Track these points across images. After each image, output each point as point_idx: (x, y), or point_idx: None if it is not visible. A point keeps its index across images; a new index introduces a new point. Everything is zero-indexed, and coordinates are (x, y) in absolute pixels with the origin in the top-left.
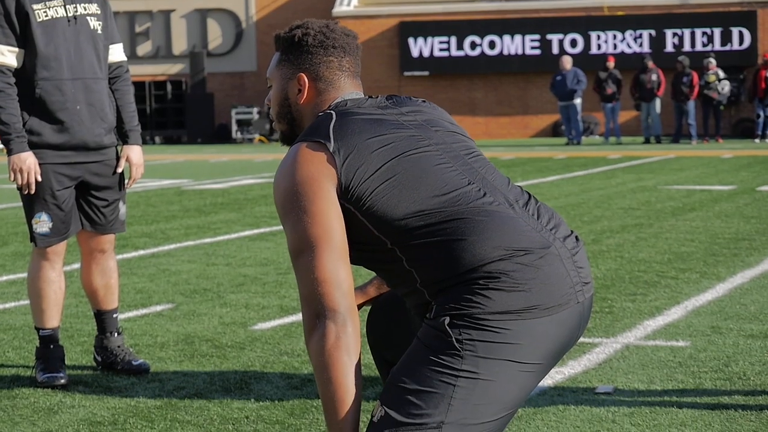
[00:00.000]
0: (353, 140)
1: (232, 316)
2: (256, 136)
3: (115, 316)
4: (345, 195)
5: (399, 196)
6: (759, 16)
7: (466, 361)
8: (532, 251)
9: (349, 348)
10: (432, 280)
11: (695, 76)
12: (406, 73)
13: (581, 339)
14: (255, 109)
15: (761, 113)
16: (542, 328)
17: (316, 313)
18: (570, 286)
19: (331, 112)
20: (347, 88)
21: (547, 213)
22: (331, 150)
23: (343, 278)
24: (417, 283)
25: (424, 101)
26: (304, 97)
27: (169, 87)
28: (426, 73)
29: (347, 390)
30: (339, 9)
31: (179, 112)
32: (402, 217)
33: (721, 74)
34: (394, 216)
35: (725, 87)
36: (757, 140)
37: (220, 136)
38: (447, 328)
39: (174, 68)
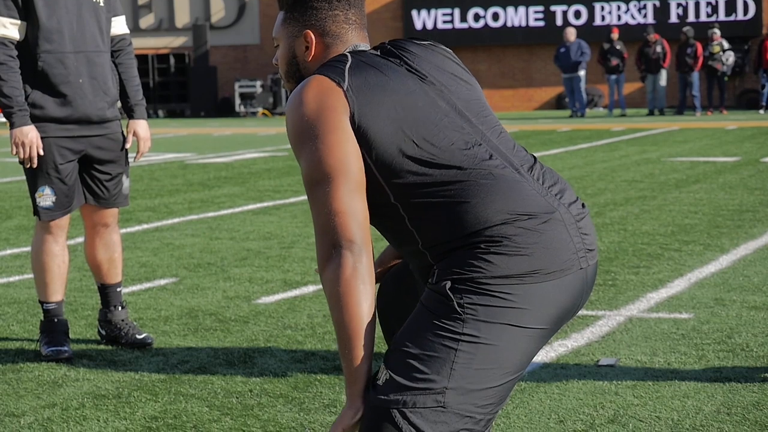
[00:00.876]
0: (367, 83)
1: (236, 290)
2: (260, 110)
3: (119, 290)
4: (356, 134)
5: (405, 146)
6: None
7: (468, 325)
8: (535, 215)
9: (365, 277)
10: (434, 242)
11: (699, 47)
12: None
13: (584, 312)
14: (258, 83)
15: (766, 84)
16: (544, 293)
17: (332, 243)
18: (573, 251)
19: (347, 55)
20: (355, 41)
21: (552, 177)
22: (344, 88)
23: (359, 209)
24: (419, 245)
25: (434, 45)
26: (312, 53)
27: (172, 60)
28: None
29: (362, 319)
30: None
31: (182, 86)
32: (406, 168)
33: (726, 45)
34: (400, 167)
35: (730, 58)
36: (761, 111)
37: (224, 109)
38: (448, 292)
39: (177, 41)
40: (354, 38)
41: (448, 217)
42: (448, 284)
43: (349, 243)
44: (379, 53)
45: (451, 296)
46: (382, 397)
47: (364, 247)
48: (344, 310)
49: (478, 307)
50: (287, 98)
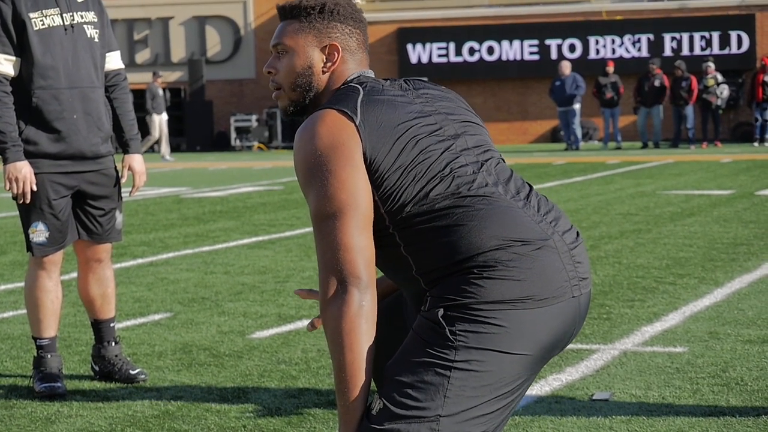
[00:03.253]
0: (378, 119)
1: (230, 324)
2: (255, 144)
3: (112, 325)
4: (367, 170)
5: (409, 181)
6: (757, 19)
7: (460, 352)
8: (529, 242)
9: (369, 316)
10: (428, 268)
11: (694, 80)
12: None
13: (579, 345)
14: (254, 117)
15: (759, 117)
16: (535, 319)
17: (339, 279)
18: (566, 279)
19: (358, 86)
20: (365, 64)
21: (547, 206)
22: (357, 123)
23: (367, 246)
24: (413, 271)
25: (441, 87)
26: (335, 66)
27: (167, 95)
28: (425, 79)
29: (363, 358)
30: None
31: (178, 120)
32: (408, 201)
33: (720, 78)
34: (402, 200)
35: (724, 91)
36: (755, 144)
37: (219, 143)
38: (441, 320)
39: (172, 76)
40: (364, 61)
41: (443, 242)
42: (441, 312)
43: (356, 280)
44: (388, 84)
45: (444, 324)
46: (377, 426)
47: (369, 285)
48: (346, 348)
49: (469, 334)
50: (283, 119)
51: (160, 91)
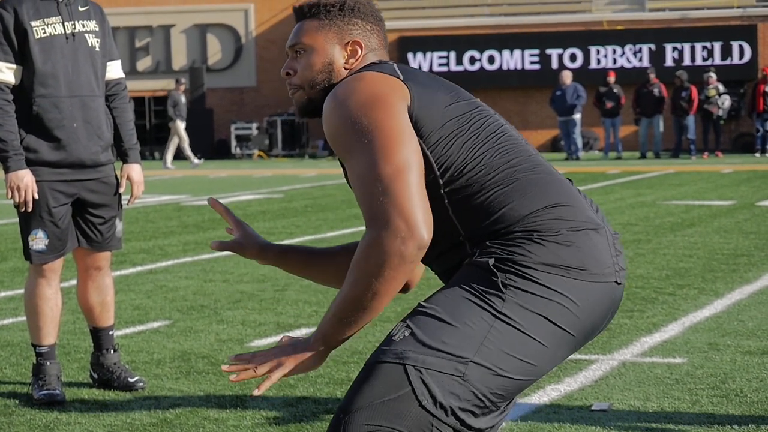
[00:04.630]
0: (420, 80)
1: (229, 332)
2: (256, 152)
3: (111, 333)
4: (413, 124)
5: (465, 141)
6: (759, 30)
7: (507, 305)
8: (583, 219)
9: (405, 277)
10: (476, 230)
11: (694, 90)
12: None
13: (577, 356)
14: (254, 125)
15: (760, 128)
16: (585, 293)
17: (396, 228)
18: (612, 263)
19: (385, 61)
20: (385, 59)
21: (588, 198)
22: (402, 79)
23: (426, 203)
24: (459, 236)
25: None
26: (357, 63)
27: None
28: None
29: (377, 311)
30: None
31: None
32: (460, 162)
33: (722, 88)
34: (453, 160)
35: (725, 101)
36: (757, 155)
37: (220, 151)
38: (492, 268)
39: (173, 84)
40: (385, 58)
41: (496, 206)
42: (492, 261)
43: (415, 233)
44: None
45: (496, 273)
46: (399, 351)
47: (423, 247)
48: (373, 294)
49: (519, 292)
50: (278, 136)
51: (183, 98)
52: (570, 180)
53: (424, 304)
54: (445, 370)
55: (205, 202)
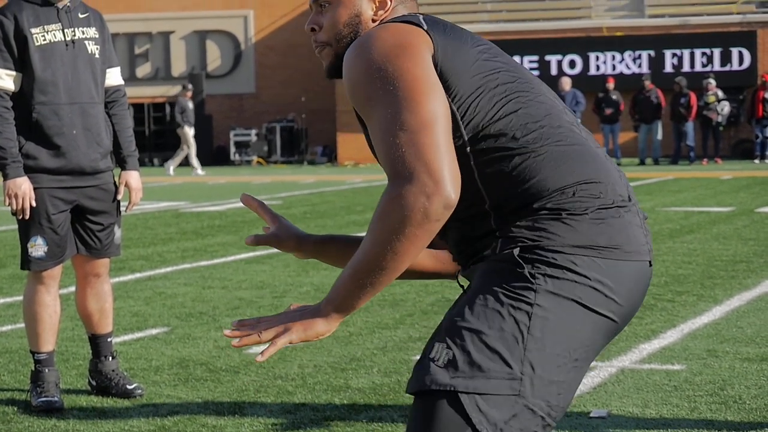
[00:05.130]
0: (446, 31)
1: (227, 339)
2: (255, 158)
3: (109, 340)
4: (438, 76)
5: (494, 98)
6: (759, 36)
7: (540, 296)
8: (616, 197)
9: (428, 237)
10: (502, 201)
11: (693, 96)
12: None
13: None
14: (253, 131)
15: (760, 134)
16: (620, 274)
17: (421, 184)
18: (645, 242)
19: (412, 14)
20: (414, 11)
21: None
22: (425, 29)
23: (454, 158)
24: (485, 204)
25: None
26: (386, 14)
27: (167, 109)
28: None
29: (405, 263)
30: None
31: (177, 134)
32: (490, 120)
33: (721, 95)
34: (484, 118)
35: (725, 108)
36: (756, 161)
37: (219, 157)
38: (518, 258)
39: (173, 90)
40: (415, 8)
41: (525, 172)
42: (517, 250)
43: (442, 191)
44: None
45: (522, 263)
46: (448, 380)
47: (450, 206)
48: (401, 244)
49: (548, 279)
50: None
51: (190, 105)
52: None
53: (456, 316)
54: (501, 391)
55: (204, 209)
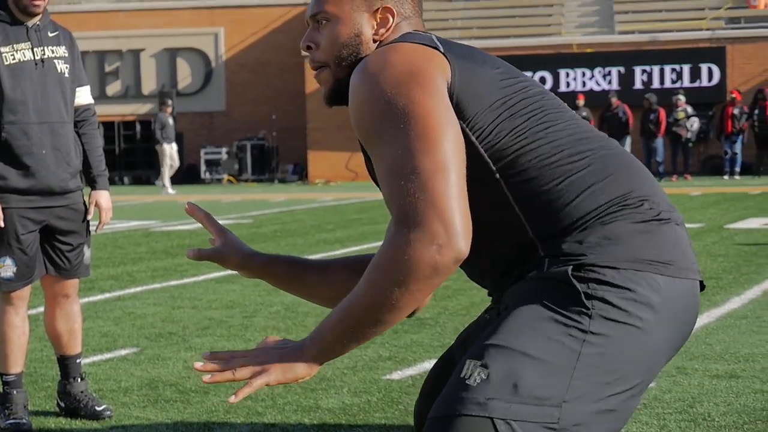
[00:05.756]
0: (461, 52)
1: (197, 359)
2: (225, 176)
3: (78, 361)
4: (454, 104)
5: (518, 122)
6: (728, 52)
7: (595, 322)
8: (665, 209)
9: (430, 291)
10: (548, 226)
11: (662, 112)
12: None
13: None
14: (224, 149)
15: (729, 150)
16: (678, 292)
17: (431, 232)
18: (694, 260)
19: (422, 31)
20: (420, 29)
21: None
22: (441, 51)
23: (465, 200)
24: (528, 233)
25: None
26: (388, 33)
27: (138, 127)
28: None
29: (401, 316)
30: None
31: (148, 152)
32: (516, 144)
33: (690, 111)
34: (509, 144)
35: (694, 124)
36: (725, 177)
37: (189, 176)
38: (572, 278)
39: (143, 108)
40: (420, 26)
41: (568, 187)
42: (570, 269)
43: (453, 239)
44: None
45: (576, 283)
46: (482, 401)
47: (461, 257)
48: (402, 297)
49: (604, 303)
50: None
51: (170, 120)
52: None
53: (494, 335)
54: (538, 418)
55: (174, 228)
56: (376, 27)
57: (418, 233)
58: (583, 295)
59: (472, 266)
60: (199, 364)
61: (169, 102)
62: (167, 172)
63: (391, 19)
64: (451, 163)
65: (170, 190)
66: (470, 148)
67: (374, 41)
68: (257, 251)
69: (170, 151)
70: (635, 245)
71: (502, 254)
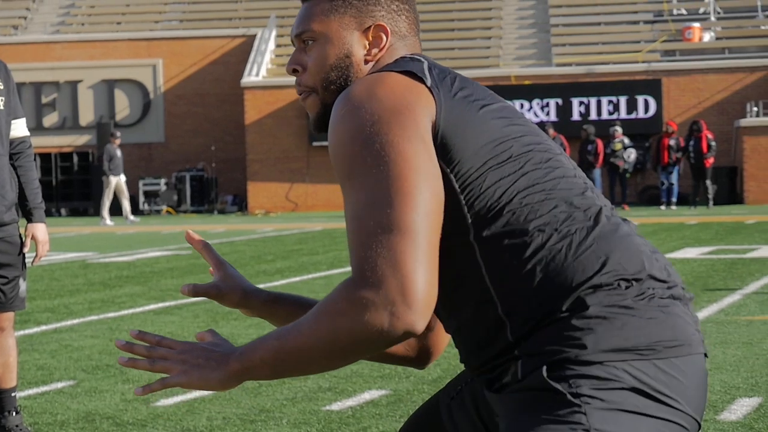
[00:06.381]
0: (453, 87)
1: (134, 392)
2: (164, 208)
3: (13, 394)
4: (438, 146)
5: (505, 174)
6: (664, 84)
7: (593, 416)
8: (655, 281)
9: (371, 354)
10: (519, 305)
11: (600, 144)
12: (315, 143)
13: None
14: (162, 180)
15: (665, 180)
16: (672, 372)
17: (385, 296)
18: (695, 330)
19: (417, 57)
20: (417, 50)
21: (649, 242)
22: (428, 85)
23: (434, 262)
24: (497, 309)
25: None
26: (382, 53)
27: (75, 158)
28: None
29: (322, 370)
30: (248, 79)
31: (86, 184)
32: (499, 200)
33: (627, 142)
34: (492, 197)
35: (631, 155)
36: (662, 207)
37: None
38: (550, 381)
39: (81, 139)
40: (417, 47)
41: (544, 262)
42: (544, 371)
43: (409, 309)
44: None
45: (556, 386)
46: None
47: (420, 325)
48: (340, 353)
49: (594, 395)
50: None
51: (119, 152)
52: (626, 221)
53: None
54: None
55: (112, 260)
56: (368, 47)
57: (374, 295)
58: (569, 395)
59: (445, 324)
60: (121, 342)
61: (117, 134)
62: (107, 204)
63: (384, 38)
64: (423, 221)
65: (108, 221)
66: (450, 197)
67: (366, 62)
68: (259, 288)
69: (119, 183)
70: (616, 332)
71: (471, 326)
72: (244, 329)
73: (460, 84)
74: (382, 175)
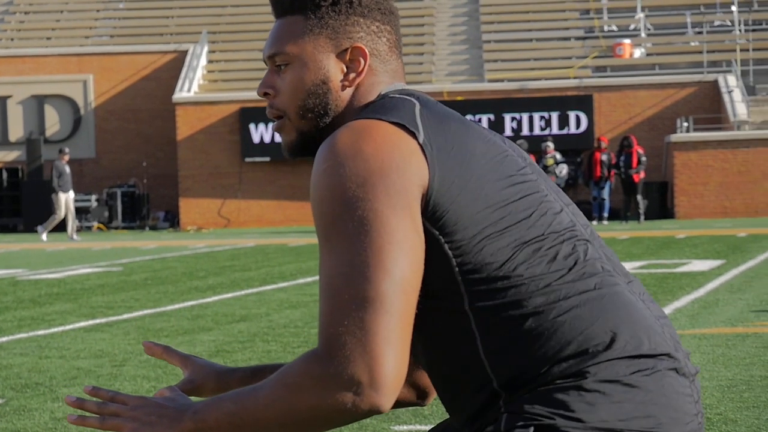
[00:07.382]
0: (448, 139)
1: (65, 410)
2: (95, 224)
3: None
4: (430, 212)
5: (505, 239)
6: (595, 100)
7: None
8: (656, 355)
9: (332, 428)
10: (516, 375)
11: (532, 159)
12: (247, 159)
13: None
14: (93, 197)
15: (597, 195)
16: None
17: (351, 382)
18: (694, 413)
19: (406, 96)
20: (399, 75)
21: (656, 305)
22: (420, 141)
23: (406, 342)
24: (492, 383)
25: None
26: (360, 78)
27: (4, 175)
28: (267, 158)
29: None
30: (179, 95)
31: (15, 200)
32: (499, 269)
33: (559, 157)
34: (490, 265)
35: (563, 170)
36: (594, 222)
37: (58, 224)
38: None
39: (10, 155)
40: (400, 70)
41: (544, 334)
42: (531, 431)
43: (376, 388)
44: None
45: None
46: None
47: (388, 402)
48: (299, 428)
49: None
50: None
51: (67, 169)
52: (633, 281)
53: None
54: None
55: (42, 277)
56: (345, 71)
57: (339, 371)
58: None
59: (430, 380)
60: (71, 398)
61: (66, 150)
62: (56, 221)
63: (363, 62)
64: (398, 298)
65: (44, 237)
66: (441, 261)
67: (344, 88)
68: (232, 367)
69: (66, 200)
70: (609, 408)
71: (462, 400)
72: (176, 345)
73: (456, 131)
74: (362, 245)
